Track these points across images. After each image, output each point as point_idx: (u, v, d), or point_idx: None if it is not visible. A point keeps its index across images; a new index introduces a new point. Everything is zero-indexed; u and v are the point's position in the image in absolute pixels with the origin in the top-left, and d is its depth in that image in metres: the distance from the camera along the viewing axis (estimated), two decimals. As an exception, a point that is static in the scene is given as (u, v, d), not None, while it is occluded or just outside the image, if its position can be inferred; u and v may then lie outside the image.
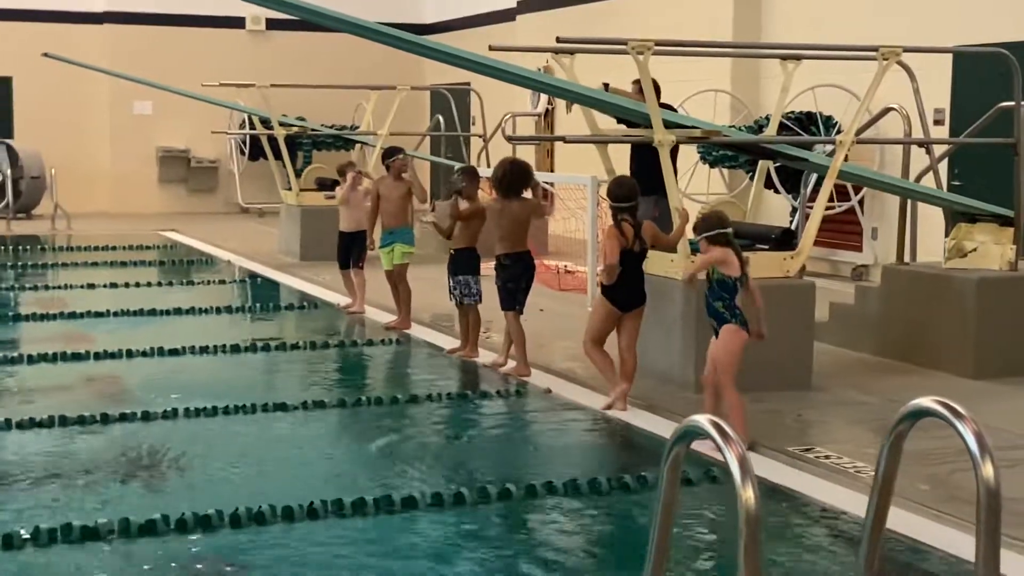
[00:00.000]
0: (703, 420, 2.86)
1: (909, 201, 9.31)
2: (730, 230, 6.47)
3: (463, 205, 8.58)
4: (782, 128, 12.00)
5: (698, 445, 3.20)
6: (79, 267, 14.21)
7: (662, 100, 10.66)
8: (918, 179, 9.34)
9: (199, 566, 4.69)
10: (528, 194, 8.21)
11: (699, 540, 5.10)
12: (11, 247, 16.17)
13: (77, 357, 8.62)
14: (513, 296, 8.16)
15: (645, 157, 9.00)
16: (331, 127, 19.74)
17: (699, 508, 5.41)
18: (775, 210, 13.63)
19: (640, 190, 7.32)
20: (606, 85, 9.67)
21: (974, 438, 2.95)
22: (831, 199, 12.48)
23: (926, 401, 3.08)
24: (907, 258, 9.26)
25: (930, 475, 5.73)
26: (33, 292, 12.44)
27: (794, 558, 4.93)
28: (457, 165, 11.82)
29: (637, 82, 8.82)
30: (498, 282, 8.21)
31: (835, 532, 5.17)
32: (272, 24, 22.08)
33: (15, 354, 8.74)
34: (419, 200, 10.26)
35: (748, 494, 2.70)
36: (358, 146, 17.25)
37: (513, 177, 8.14)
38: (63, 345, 8.95)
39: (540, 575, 4.71)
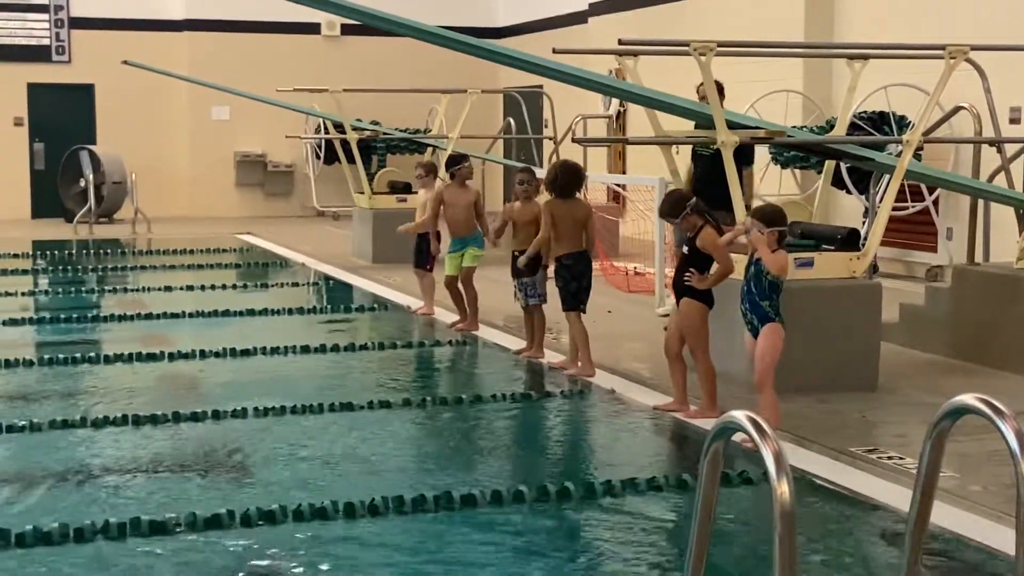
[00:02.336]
0: (740, 416, 2.91)
1: (981, 201, 9.23)
2: (786, 229, 6.52)
3: (517, 206, 8.76)
4: (854, 128, 11.93)
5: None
6: (157, 270, 14.53)
7: (725, 104, 10.63)
8: (990, 178, 9.25)
9: (261, 561, 4.82)
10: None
11: (755, 535, 5.14)
12: (93, 250, 16.56)
13: (152, 357, 8.83)
14: (576, 296, 8.21)
15: (704, 169, 8.95)
16: (405, 131, 19.92)
17: (757, 506, 5.45)
18: (847, 211, 13.55)
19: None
20: None
21: (1014, 436, 2.96)
22: (905, 199, 12.40)
23: (968, 398, 3.11)
24: (979, 259, 9.17)
25: (994, 475, 5.71)
26: (113, 294, 12.74)
27: (852, 557, 4.95)
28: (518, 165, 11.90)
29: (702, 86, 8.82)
30: (559, 283, 8.25)
31: (894, 532, 5.16)
32: (347, 29, 22.33)
33: (93, 354, 8.97)
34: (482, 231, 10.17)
35: (783, 488, 2.74)
36: (430, 150, 17.37)
37: (566, 178, 8.24)
38: (140, 346, 9.17)
39: (596, 571, 4.79)
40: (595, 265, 8.68)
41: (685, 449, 6.74)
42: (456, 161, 10.27)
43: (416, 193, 11.99)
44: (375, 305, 11.63)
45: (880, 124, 12.77)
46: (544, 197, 8.75)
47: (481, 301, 10.02)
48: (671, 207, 7.11)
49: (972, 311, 8.72)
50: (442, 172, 11.03)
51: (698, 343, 7.04)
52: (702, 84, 8.81)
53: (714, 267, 7.00)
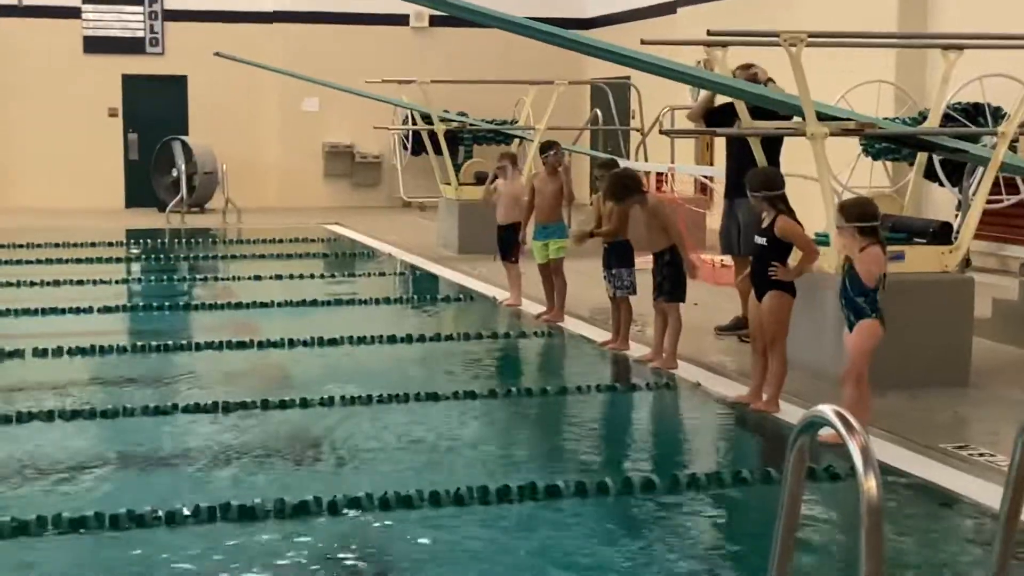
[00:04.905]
0: (827, 410, 2.89)
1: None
2: (879, 223, 6.37)
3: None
4: (947, 119, 11.72)
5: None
6: (247, 259, 14.73)
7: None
8: (1089, 171, 9.04)
9: (348, 548, 4.88)
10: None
11: (841, 530, 5.10)
12: (185, 240, 16.83)
13: (242, 346, 8.97)
14: (684, 287, 8.19)
15: (743, 156, 8.91)
16: (491, 122, 19.98)
17: (844, 501, 5.40)
18: (940, 204, 13.32)
19: (739, 191, 7.31)
20: None
21: (1109, 434, 2.90)
22: (1000, 192, 12.16)
23: (1062, 396, 3.05)
24: (1076, 253, 8.98)
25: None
26: (203, 283, 12.95)
27: (942, 553, 4.89)
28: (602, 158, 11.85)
29: (743, 68, 8.81)
30: (662, 273, 8.17)
31: (985, 529, 5.08)
32: (435, 21, 22.43)
33: (184, 341, 9.15)
34: (566, 202, 10.31)
35: (870, 483, 2.71)
36: (517, 140, 17.39)
37: (628, 182, 8.28)
38: (229, 334, 9.31)
39: (679, 565, 4.78)
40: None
41: (771, 443, 6.68)
42: (545, 149, 10.36)
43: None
44: (461, 296, 11.69)
45: (975, 115, 12.54)
46: None
47: (568, 292, 10.05)
48: (764, 180, 7.01)
49: (1069, 307, 8.55)
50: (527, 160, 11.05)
51: (782, 336, 6.97)
52: (740, 67, 8.81)
53: (793, 255, 6.94)
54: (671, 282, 8.12)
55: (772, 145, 8.62)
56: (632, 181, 8.39)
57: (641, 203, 8.22)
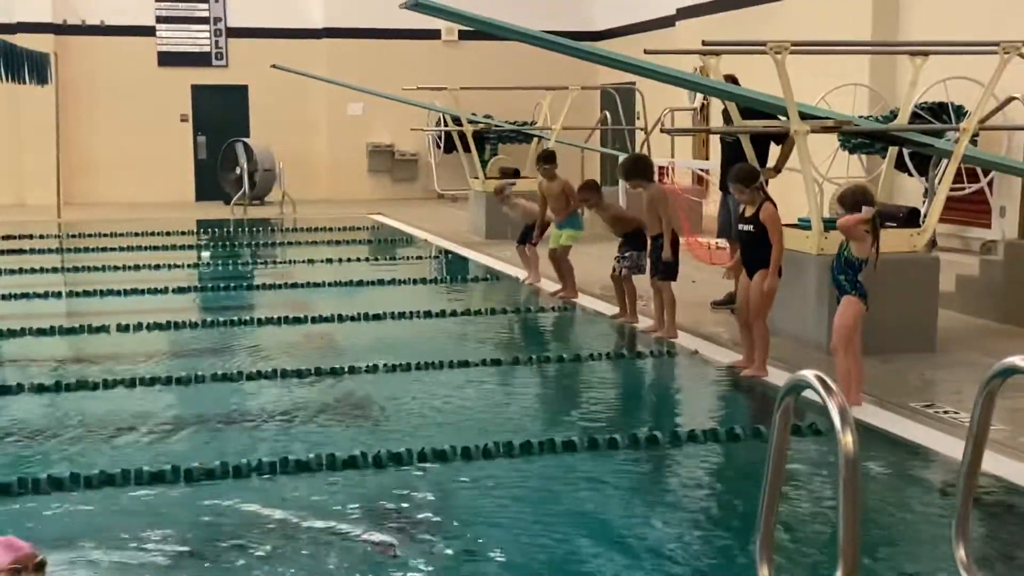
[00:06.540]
0: (809, 375, 2.87)
1: (1032, 182, 8.94)
2: (875, 210, 6.24)
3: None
4: (915, 117, 11.63)
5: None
6: (301, 245, 14.74)
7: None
8: (1041, 161, 8.95)
9: (391, 496, 4.89)
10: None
11: (823, 481, 5.07)
12: (247, 229, 16.87)
13: (298, 321, 8.98)
14: (676, 269, 8.17)
15: (728, 154, 8.90)
16: (513, 123, 19.89)
17: (825, 454, 5.37)
18: (909, 192, 13.21)
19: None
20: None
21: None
22: (962, 181, 12.06)
23: (1017, 360, 3.04)
24: (1030, 234, 8.90)
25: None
26: (263, 266, 12.97)
27: (911, 500, 4.87)
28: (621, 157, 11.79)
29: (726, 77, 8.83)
30: (659, 253, 8.14)
31: (949, 479, 5.05)
32: (463, 35, 22.33)
33: (247, 317, 9.16)
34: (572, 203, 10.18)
35: (847, 439, 2.70)
36: (535, 140, 17.33)
37: (640, 166, 8.24)
38: (286, 310, 9.33)
39: (679, 511, 4.77)
40: (680, 240, 8.62)
41: (760, 403, 6.66)
42: (540, 159, 10.34)
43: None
44: (488, 276, 11.67)
45: (939, 113, 12.42)
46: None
47: (580, 272, 10.02)
48: (747, 174, 6.96)
49: (1022, 281, 8.47)
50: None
51: (765, 310, 6.94)
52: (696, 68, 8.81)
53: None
54: (664, 263, 8.09)
55: (762, 143, 8.57)
56: (644, 166, 8.33)
57: (644, 188, 8.15)
